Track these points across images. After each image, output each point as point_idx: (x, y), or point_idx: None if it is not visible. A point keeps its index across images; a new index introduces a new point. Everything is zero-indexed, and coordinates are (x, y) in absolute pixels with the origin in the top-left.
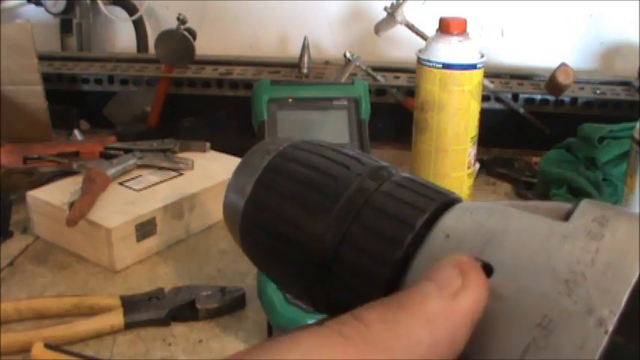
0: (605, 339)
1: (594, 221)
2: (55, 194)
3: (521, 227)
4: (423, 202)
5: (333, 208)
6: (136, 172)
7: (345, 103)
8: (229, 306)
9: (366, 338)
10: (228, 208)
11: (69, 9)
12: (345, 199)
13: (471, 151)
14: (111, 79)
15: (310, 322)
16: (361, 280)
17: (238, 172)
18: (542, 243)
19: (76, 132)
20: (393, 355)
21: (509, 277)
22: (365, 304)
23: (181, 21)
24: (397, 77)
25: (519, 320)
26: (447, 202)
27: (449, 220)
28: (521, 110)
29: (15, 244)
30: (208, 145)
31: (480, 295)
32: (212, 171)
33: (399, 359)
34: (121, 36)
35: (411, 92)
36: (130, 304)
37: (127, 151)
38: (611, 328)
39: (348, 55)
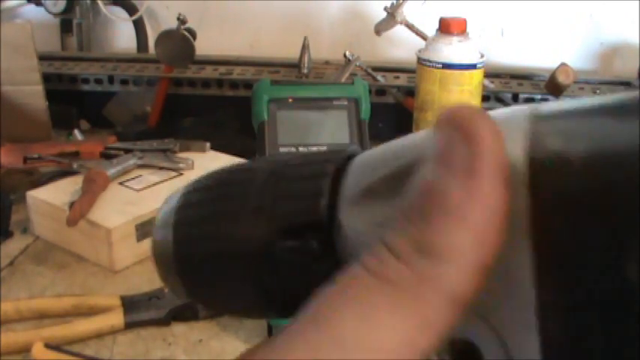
0: None
1: None
2: (55, 194)
3: None
4: (330, 158)
5: (247, 208)
6: (136, 172)
7: (345, 103)
8: None
9: (412, 278)
10: (159, 257)
11: (69, 9)
12: (254, 195)
13: None
14: (111, 79)
15: None
16: (301, 262)
17: (159, 219)
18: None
19: (76, 132)
20: (447, 279)
21: None
22: (388, 233)
23: (181, 21)
24: (397, 77)
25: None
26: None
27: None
28: None
29: (15, 244)
30: (208, 145)
31: (499, 150)
32: None
33: (454, 278)
34: (121, 36)
35: (411, 92)
36: (130, 304)
37: (127, 151)
38: None
39: (348, 55)
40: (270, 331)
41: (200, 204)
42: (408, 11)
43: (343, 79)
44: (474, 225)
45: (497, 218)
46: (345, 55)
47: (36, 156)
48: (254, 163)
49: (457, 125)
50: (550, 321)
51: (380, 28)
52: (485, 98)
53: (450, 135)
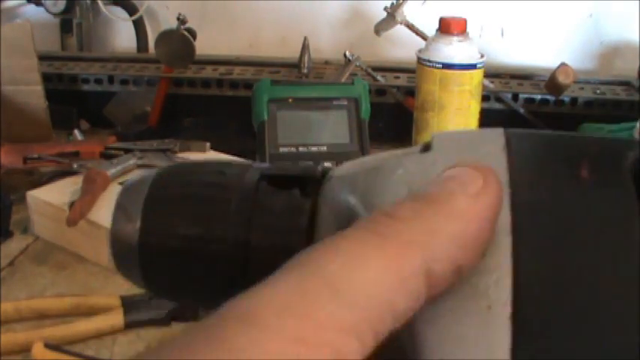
0: None
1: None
2: (55, 194)
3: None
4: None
5: (228, 217)
6: (136, 172)
7: (345, 103)
8: None
9: (402, 235)
10: (120, 246)
11: (69, 9)
12: (234, 206)
13: None
14: (111, 79)
15: None
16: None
17: (120, 207)
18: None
19: (76, 132)
20: (429, 251)
21: None
22: (391, 206)
23: (181, 21)
24: (397, 77)
25: None
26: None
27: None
28: (521, 110)
29: (15, 244)
30: (208, 145)
31: (498, 195)
32: None
33: (434, 256)
34: (121, 36)
35: (411, 92)
36: (130, 304)
37: (127, 151)
38: None
39: (348, 55)
40: None
41: (173, 200)
42: (408, 11)
43: (343, 79)
44: (468, 230)
45: (484, 235)
46: (345, 55)
47: (36, 156)
48: (227, 168)
49: (480, 170)
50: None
51: (380, 28)
52: (485, 98)
53: (473, 172)
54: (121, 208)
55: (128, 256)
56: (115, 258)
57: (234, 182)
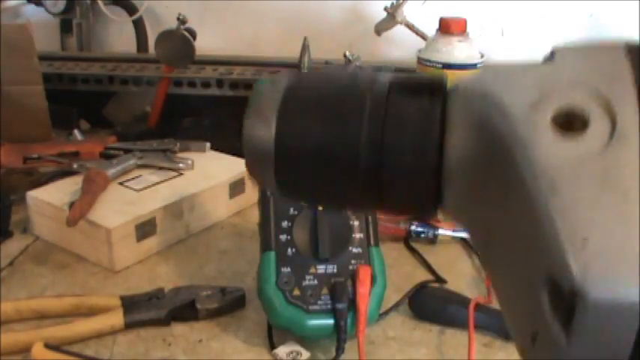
0: None
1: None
2: (55, 194)
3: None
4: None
5: (362, 119)
6: (136, 172)
7: None
8: (229, 306)
9: None
10: (255, 149)
11: (69, 9)
12: (368, 110)
13: None
14: (111, 79)
15: (310, 322)
16: (409, 176)
17: (254, 112)
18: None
19: (76, 132)
20: None
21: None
22: None
23: (181, 21)
24: None
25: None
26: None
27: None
28: None
29: (15, 244)
30: (208, 145)
31: None
32: (212, 171)
33: None
34: (121, 36)
35: None
36: (130, 304)
37: (127, 151)
38: None
39: (348, 55)
40: (270, 331)
41: (308, 102)
42: (408, 11)
43: None
44: None
45: None
46: (345, 55)
47: (36, 156)
48: (358, 75)
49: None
50: None
51: (380, 28)
52: None
53: None
54: (255, 112)
55: (262, 158)
56: (249, 162)
57: (367, 87)
